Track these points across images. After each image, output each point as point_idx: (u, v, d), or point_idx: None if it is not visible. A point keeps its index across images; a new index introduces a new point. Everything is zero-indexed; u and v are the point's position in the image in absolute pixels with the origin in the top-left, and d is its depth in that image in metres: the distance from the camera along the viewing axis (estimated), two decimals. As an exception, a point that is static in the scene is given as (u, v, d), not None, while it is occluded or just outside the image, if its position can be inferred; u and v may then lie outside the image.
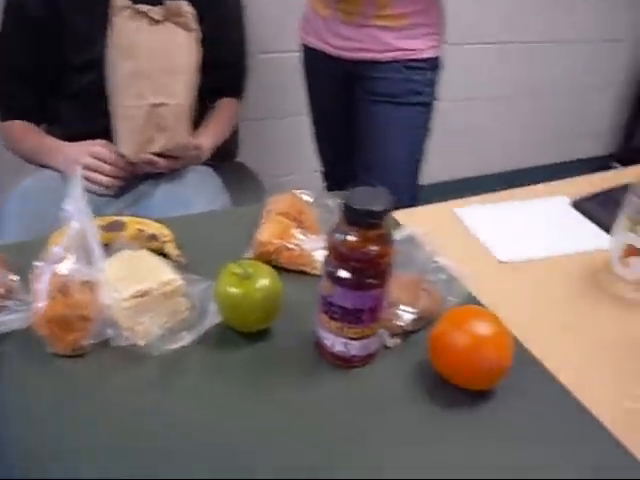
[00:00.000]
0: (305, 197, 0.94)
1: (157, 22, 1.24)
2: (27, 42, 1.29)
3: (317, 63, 1.47)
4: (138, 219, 0.87)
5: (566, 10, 2.43)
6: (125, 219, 0.86)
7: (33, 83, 1.34)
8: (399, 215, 0.95)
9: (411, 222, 0.91)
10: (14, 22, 1.29)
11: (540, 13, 2.39)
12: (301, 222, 0.88)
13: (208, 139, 1.38)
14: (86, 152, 1.25)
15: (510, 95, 2.54)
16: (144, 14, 1.23)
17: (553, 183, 1.11)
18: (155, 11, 1.23)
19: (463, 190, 2.32)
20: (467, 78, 2.34)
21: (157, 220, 0.87)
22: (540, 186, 1.11)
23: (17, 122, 1.37)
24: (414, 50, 1.35)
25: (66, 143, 1.31)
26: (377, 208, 0.60)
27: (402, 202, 1.39)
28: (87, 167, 1.23)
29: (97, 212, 1.19)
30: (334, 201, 0.91)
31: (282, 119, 2.07)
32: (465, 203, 1.04)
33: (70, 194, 0.69)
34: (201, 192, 1.28)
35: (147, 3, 1.24)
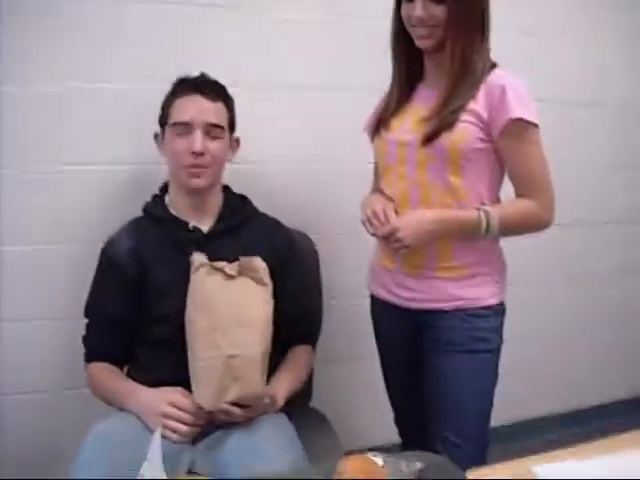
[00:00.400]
0: (378, 460, 0.93)
1: (232, 277, 1.34)
2: (118, 294, 1.42)
3: (385, 314, 1.53)
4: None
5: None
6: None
7: (120, 330, 1.44)
8: (474, 475, 0.91)
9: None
10: (110, 277, 1.44)
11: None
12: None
13: (282, 388, 1.41)
14: (164, 400, 1.29)
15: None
16: (220, 270, 1.34)
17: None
18: (230, 267, 1.35)
19: (531, 433, 2.20)
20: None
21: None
22: (626, 436, 1.04)
23: (100, 364, 1.45)
24: (477, 299, 1.38)
25: (144, 388, 1.35)
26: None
27: (472, 452, 1.38)
28: (165, 415, 1.27)
29: (172, 459, 1.22)
30: (409, 466, 0.89)
31: (354, 362, 2.10)
32: (543, 459, 0.99)
33: (150, 459, 0.71)
34: (273, 443, 1.28)
35: (222, 259, 1.36)
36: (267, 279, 1.38)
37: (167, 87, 1.48)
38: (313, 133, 1.89)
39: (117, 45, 1.66)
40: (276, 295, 1.44)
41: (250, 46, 1.79)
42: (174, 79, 1.47)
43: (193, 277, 1.34)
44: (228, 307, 1.32)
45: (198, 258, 1.35)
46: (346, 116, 1.78)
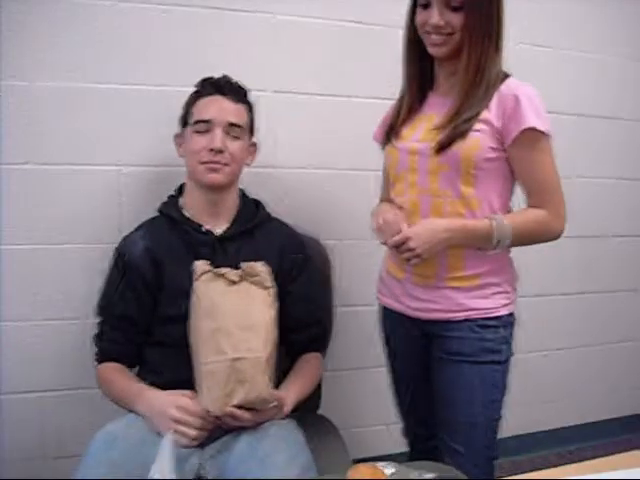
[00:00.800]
0: (387, 470, 0.92)
1: (234, 282, 1.35)
2: (133, 296, 1.43)
3: (395, 323, 1.52)
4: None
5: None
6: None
7: (132, 331, 1.44)
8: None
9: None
10: (123, 277, 1.44)
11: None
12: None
13: (291, 393, 1.41)
14: (174, 404, 1.29)
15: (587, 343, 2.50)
16: (222, 276, 1.35)
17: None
18: (232, 273, 1.35)
19: (537, 446, 2.18)
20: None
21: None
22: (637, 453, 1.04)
23: (111, 364, 1.45)
24: (486, 309, 1.37)
25: (153, 390, 1.35)
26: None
27: (481, 464, 1.36)
28: (174, 419, 1.27)
29: (180, 463, 1.22)
30: (419, 476, 0.88)
31: (363, 371, 2.10)
32: (552, 473, 0.98)
33: (159, 463, 0.71)
34: (281, 448, 1.28)
35: (234, 262, 1.37)
36: (269, 282, 1.38)
37: (184, 89, 1.50)
38: (326, 139, 1.90)
39: (141, 48, 1.68)
40: (286, 300, 1.45)
41: (265, 52, 1.80)
42: (192, 81, 1.49)
43: (195, 284, 1.35)
44: (231, 312, 1.32)
45: (200, 265, 1.36)
46: (358, 123, 1.79)
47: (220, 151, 1.41)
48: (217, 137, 1.41)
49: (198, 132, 1.43)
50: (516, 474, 1.07)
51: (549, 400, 2.46)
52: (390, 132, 1.44)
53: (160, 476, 0.72)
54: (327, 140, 1.90)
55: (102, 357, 1.47)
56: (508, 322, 1.40)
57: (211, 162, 1.41)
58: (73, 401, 1.76)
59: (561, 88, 2.17)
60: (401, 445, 1.69)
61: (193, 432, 1.27)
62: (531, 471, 1.08)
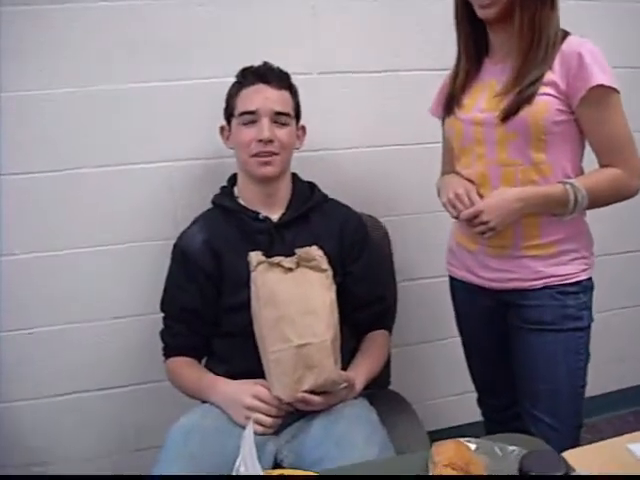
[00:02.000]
0: (470, 445, 0.91)
1: (290, 270, 1.36)
2: (195, 288, 1.44)
3: (467, 295, 1.49)
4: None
5: None
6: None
7: (197, 323, 1.45)
8: (569, 456, 0.88)
9: (582, 462, 0.85)
10: (184, 271, 1.46)
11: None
12: (469, 472, 0.84)
13: (360, 373, 1.41)
14: (247, 392, 1.30)
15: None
16: (277, 265, 1.35)
17: None
18: (287, 261, 1.36)
19: (612, 406, 2.12)
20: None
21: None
22: None
23: (179, 358, 1.47)
24: (566, 275, 1.33)
25: (225, 380, 1.37)
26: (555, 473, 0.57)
27: (566, 433, 1.35)
28: (250, 408, 1.29)
29: (258, 451, 1.22)
30: (502, 449, 0.87)
31: (429, 343, 2.08)
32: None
33: (243, 454, 0.72)
34: (357, 429, 1.28)
35: (294, 248, 1.37)
36: (325, 265, 1.38)
37: (226, 80, 1.48)
38: (375, 116, 1.85)
39: (182, 42, 1.67)
40: (348, 280, 1.45)
41: (306, 34, 1.76)
42: (234, 70, 1.47)
43: (253, 275, 1.35)
44: (291, 299, 1.32)
45: (255, 256, 1.36)
46: (406, 96, 1.77)
47: (270, 141, 1.40)
48: (265, 127, 1.39)
49: (244, 124, 1.42)
50: (596, 439, 1.05)
51: (619, 359, 2.40)
52: (451, 102, 1.40)
53: (244, 468, 0.72)
54: (376, 117, 1.85)
55: (169, 352, 1.49)
56: (588, 287, 1.36)
57: (262, 153, 1.41)
58: (144, 395, 1.81)
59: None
60: (475, 415, 1.68)
61: (269, 420, 1.29)
62: (615, 436, 1.05)
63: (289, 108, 1.45)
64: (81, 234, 1.69)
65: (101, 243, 1.70)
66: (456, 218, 1.35)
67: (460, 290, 1.52)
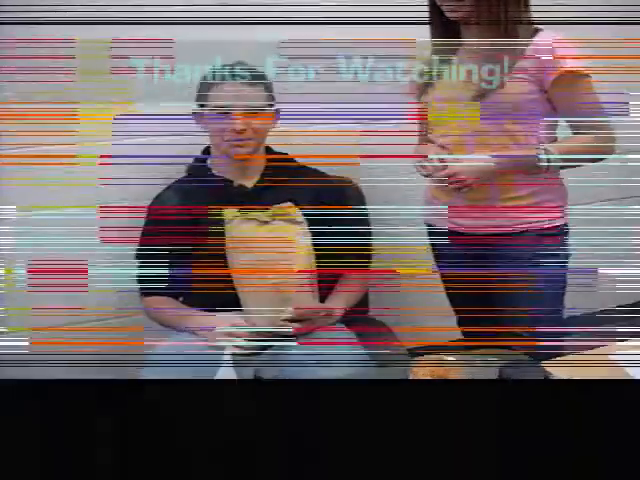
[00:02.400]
0: (450, 358, 0.91)
1: (265, 222, 1.40)
2: (169, 245, 1.44)
3: (446, 242, 1.52)
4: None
5: None
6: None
7: (173, 267, 1.45)
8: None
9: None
10: (159, 223, 1.46)
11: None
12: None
13: (339, 301, 1.48)
14: (227, 321, 1.36)
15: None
16: (253, 219, 1.40)
17: None
18: (262, 215, 1.41)
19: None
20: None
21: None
22: None
23: (156, 297, 1.50)
24: (544, 220, 1.40)
25: (202, 312, 1.42)
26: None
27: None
28: (228, 334, 1.33)
29: (237, 371, 1.24)
30: (482, 359, 0.87)
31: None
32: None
33: (221, 371, 0.71)
34: (335, 347, 1.32)
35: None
36: (300, 218, 1.43)
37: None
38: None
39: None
40: (325, 236, 1.46)
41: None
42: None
43: (227, 227, 1.39)
44: (267, 244, 1.37)
45: (228, 211, 1.40)
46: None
47: (243, 130, 1.41)
48: (237, 121, 1.40)
49: (218, 113, 1.42)
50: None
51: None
52: (426, 87, 1.43)
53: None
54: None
55: (148, 291, 1.51)
56: (564, 231, 1.44)
57: (235, 139, 1.42)
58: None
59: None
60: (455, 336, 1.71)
61: (245, 343, 1.33)
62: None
63: (261, 102, 1.46)
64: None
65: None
66: (427, 177, 1.41)
67: (439, 237, 1.54)
